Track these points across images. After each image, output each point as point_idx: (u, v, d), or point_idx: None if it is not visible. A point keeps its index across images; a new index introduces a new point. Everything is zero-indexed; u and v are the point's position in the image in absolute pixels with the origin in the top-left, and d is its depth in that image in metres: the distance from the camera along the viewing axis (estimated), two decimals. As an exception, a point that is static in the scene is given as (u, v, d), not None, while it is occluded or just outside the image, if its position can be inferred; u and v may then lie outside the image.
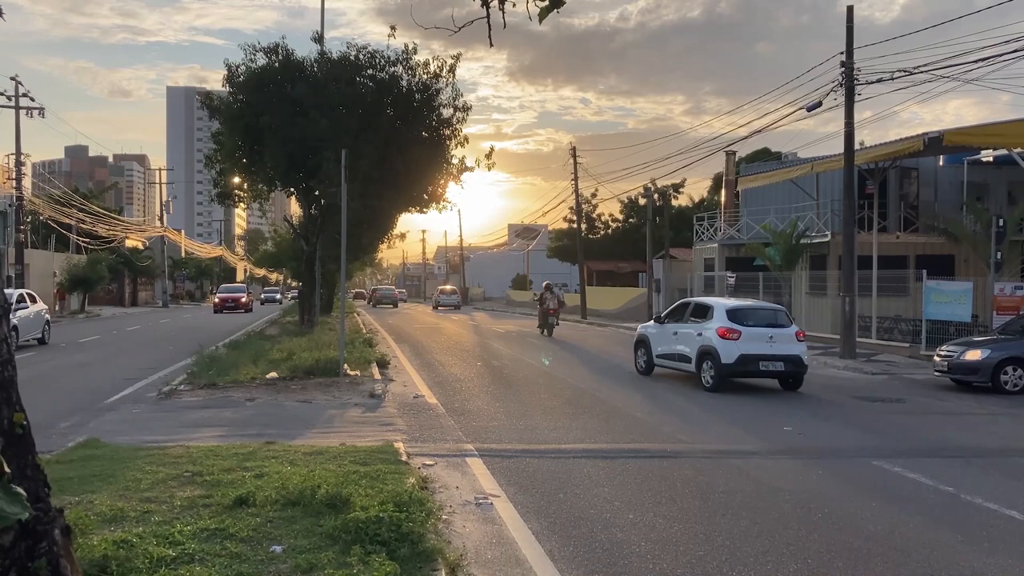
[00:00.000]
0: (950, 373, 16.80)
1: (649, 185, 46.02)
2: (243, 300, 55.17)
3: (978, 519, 7.39)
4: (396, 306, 67.86)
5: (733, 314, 16.29)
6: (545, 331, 31.14)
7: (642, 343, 18.83)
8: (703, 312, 16.96)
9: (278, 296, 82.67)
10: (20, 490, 2.57)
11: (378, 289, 79.59)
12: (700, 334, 16.39)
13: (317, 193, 25.24)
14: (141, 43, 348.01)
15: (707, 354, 16.04)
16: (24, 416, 2.86)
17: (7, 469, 2.58)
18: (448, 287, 69.51)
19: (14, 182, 43.88)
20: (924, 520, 7.32)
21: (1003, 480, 9.01)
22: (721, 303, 17.20)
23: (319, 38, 24.91)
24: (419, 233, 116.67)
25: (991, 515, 7.52)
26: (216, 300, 55.84)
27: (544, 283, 34.69)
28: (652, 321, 19.58)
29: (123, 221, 70.72)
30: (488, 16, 3.55)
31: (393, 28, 23.48)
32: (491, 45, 3.61)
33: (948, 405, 14.83)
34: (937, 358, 17.27)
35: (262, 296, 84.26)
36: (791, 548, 6.41)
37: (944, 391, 16.43)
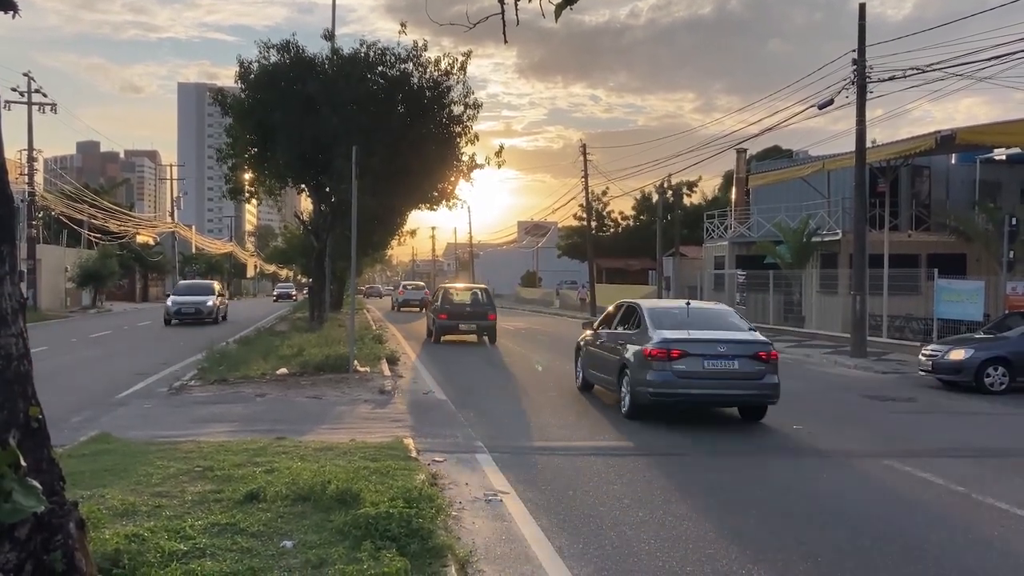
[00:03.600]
0: (934, 372, 16.77)
1: (663, 182, 45.91)
2: None
3: (990, 519, 7.36)
4: (381, 297, 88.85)
5: (406, 287, 57.52)
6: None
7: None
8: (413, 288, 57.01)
9: (211, 303, 36.57)
10: (36, 483, 2.59)
11: (367, 286, 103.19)
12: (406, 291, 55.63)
13: (328, 190, 25.28)
14: (152, 39, 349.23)
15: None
16: (40, 410, 2.88)
17: (23, 463, 2.60)
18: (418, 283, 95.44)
19: (26, 177, 44.11)
20: (935, 520, 7.29)
21: (1015, 480, 8.97)
22: (401, 283, 69.03)
23: (330, 35, 24.94)
24: (429, 230, 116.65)
25: (1003, 515, 7.49)
26: None
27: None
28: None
29: (134, 217, 70.97)
30: (503, 12, 3.54)
31: (404, 25, 23.58)
32: (505, 42, 3.61)
33: (959, 404, 14.76)
34: (922, 357, 17.24)
35: (169, 303, 36.50)
36: (801, 547, 6.39)
37: (955, 390, 16.34)
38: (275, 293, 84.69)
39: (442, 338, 25.84)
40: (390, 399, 13.33)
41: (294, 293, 78.16)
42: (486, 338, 25.89)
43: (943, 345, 17.18)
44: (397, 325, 35.61)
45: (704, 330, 12.12)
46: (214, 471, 7.57)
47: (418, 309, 47.79)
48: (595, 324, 15.23)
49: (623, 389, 12.33)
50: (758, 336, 12.31)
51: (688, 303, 13.61)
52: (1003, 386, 15.83)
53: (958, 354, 16.29)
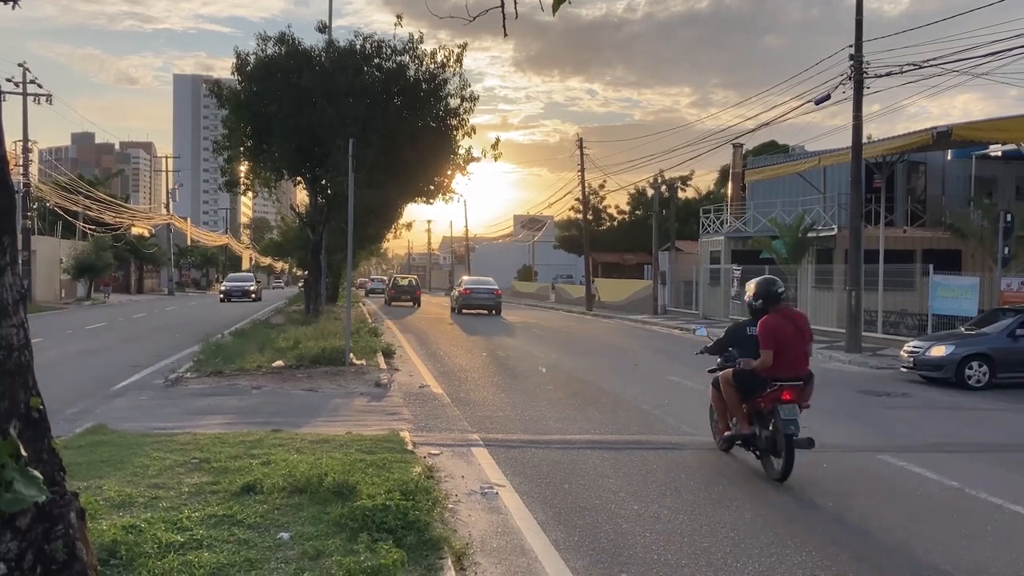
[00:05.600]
0: (916, 369, 16.84)
1: (656, 177, 45.90)
2: None
3: (983, 514, 7.40)
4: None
5: (372, 279, 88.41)
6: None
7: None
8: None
9: None
10: (37, 473, 2.60)
11: (360, 279, 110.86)
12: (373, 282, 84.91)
13: (324, 182, 25.24)
14: (148, 30, 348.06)
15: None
16: (40, 400, 2.89)
17: (24, 453, 2.61)
18: (382, 277, 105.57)
19: (21, 168, 43.98)
20: (928, 514, 7.34)
21: (1008, 475, 9.02)
22: (369, 276, 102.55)
23: (325, 27, 24.87)
24: (425, 223, 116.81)
25: (996, 510, 7.53)
26: None
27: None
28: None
29: (129, 208, 70.86)
30: (503, 5, 3.55)
31: (400, 17, 23.54)
32: (505, 35, 3.61)
33: (953, 400, 14.82)
34: (904, 354, 17.29)
35: None
36: (795, 540, 6.43)
37: (950, 386, 16.39)
38: (223, 288, 57.34)
39: (392, 303, 47.84)
40: (386, 392, 13.34)
41: (253, 288, 56.71)
42: (415, 303, 47.97)
43: (924, 341, 17.27)
44: (371, 303, 53.40)
45: (480, 285, 40.83)
46: (210, 463, 7.58)
47: (382, 295, 65.91)
48: (454, 290, 44.26)
49: (456, 305, 39.86)
50: (494, 286, 40.85)
51: (480, 277, 45.31)
52: (983, 382, 15.91)
53: (939, 351, 16.37)
